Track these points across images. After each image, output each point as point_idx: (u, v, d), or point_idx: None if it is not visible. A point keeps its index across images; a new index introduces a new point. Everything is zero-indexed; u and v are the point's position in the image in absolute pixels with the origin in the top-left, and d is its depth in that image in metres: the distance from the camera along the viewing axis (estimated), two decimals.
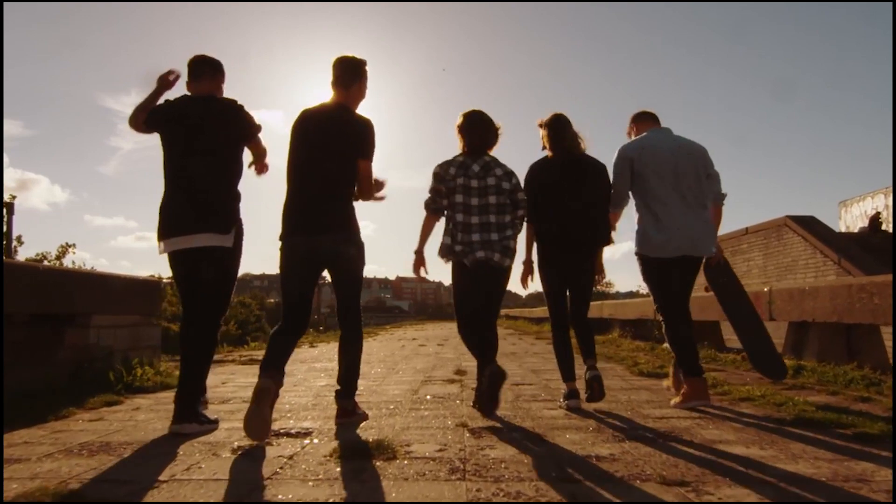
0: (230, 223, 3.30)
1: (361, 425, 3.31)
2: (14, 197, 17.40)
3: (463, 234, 3.64)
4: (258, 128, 3.48)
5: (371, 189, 3.41)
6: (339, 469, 2.42)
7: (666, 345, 4.45)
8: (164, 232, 3.26)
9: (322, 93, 3.50)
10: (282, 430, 3.18)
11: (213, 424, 3.24)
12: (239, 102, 3.43)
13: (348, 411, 3.37)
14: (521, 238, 3.91)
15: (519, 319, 32.15)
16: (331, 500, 2.04)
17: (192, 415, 3.15)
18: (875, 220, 18.86)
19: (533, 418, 3.51)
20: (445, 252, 3.71)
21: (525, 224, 3.91)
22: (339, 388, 3.39)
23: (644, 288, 4.22)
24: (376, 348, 10.47)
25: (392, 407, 3.94)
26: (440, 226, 3.82)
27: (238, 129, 3.39)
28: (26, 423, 3.36)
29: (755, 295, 6.45)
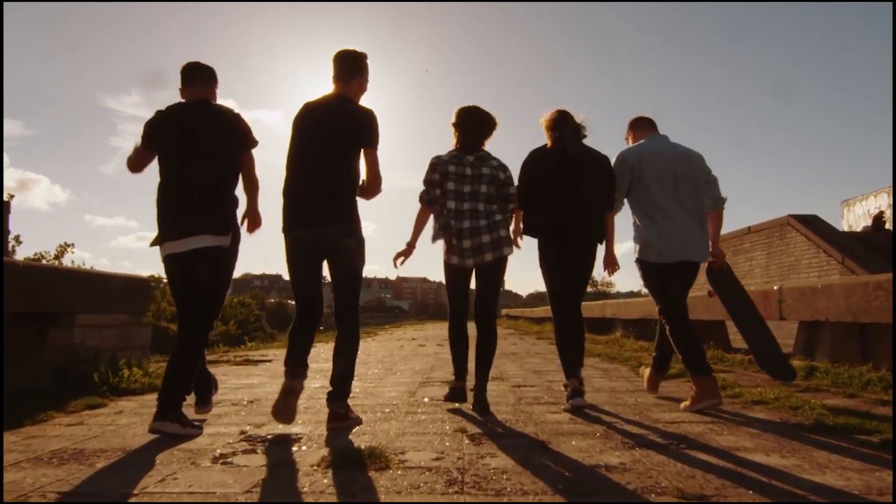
0: (227, 224, 3.26)
1: (354, 430, 3.12)
2: (12, 196, 17.22)
3: (455, 220, 3.61)
4: (254, 140, 3.38)
5: (379, 179, 3.34)
6: (326, 481, 2.22)
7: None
8: (162, 236, 3.25)
9: (323, 91, 3.44)
10: (268, 436, 2.99)
11: (196, 429, 3.08)
12: (235, 111, 3.39)
13: (340, 415, 3.22)
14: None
15: (520, 319, 31.97)
16: None
17: (174, 415, 3.03)
18: (878, 219, 18.66)
19: (536, 423, 3.31)
20: (435, 237, 3.71)
21: (514, 215, 3.90)
22: (331, 389, 3.26)
23: (645, 289, 4.17)
24: (375, 348, 10.28)
25: (388, 410, 3.75)
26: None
27: (233, 134, 3.32)
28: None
29: (764, 294, 6.26)
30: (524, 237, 4.02)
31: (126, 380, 4.78)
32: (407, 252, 3.79)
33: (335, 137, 3.23)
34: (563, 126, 3.89)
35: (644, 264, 3.94)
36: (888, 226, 18.10)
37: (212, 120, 3.29)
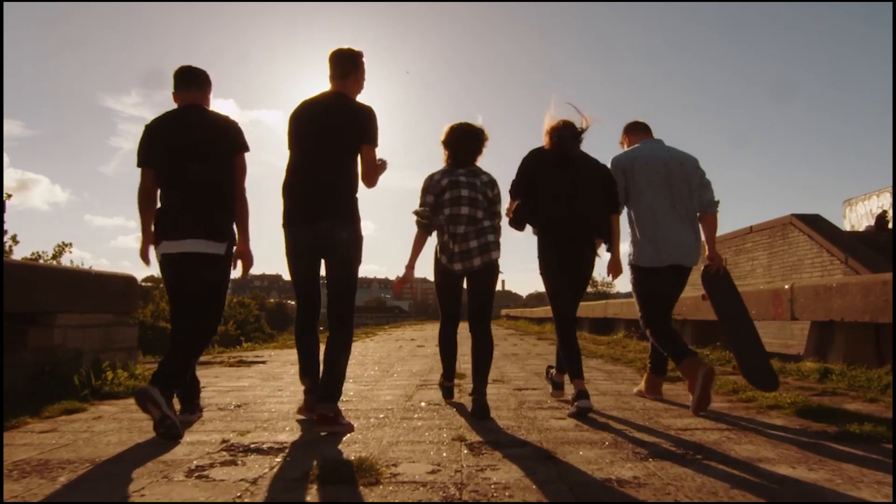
0: (224, 232, 3.28)
1: (345, 439, 2.91)
2: (9, 196, 17.00)
3: (454, 226, 3.63)
4: (245, 144, 3.39)
5: (377, 175, 3.30)
6: (309, 498, 2.01)
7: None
8: (159, 236, 3.27)
9: (327, 82, 3.42)
10: (252, 445, 2.77)
11: (176, 431, 2.89)
12: (227, 116, 3.42)
13: (329, 419, 3.00)
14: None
15: (520, 319, 31.75)
16: None
17: (163, 385, 3.01)
18: (881, 218, 18.47)
19: (540, 430, 3.10)
20: (443, 250, 3.73)
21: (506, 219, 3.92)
22: (320, 390, 3.09)
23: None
24: (372, 349, 10.06)
25: (382, 416, 3.53)
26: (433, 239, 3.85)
27: (227, 139, 3.33)
28: None
29: (775, 293, 6.05)
30: (513, 229, 3.96)
31: (109, 383, 4.57)
32: (406, 278, 3.87)
33: (333, 134, 3.19)
34: (565, 131, 3.88)
35: (636, 268, 3.96)
36: (891, 225, 17.90)
37: (206, 125, 3.30)
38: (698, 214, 4.00)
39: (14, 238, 17.78)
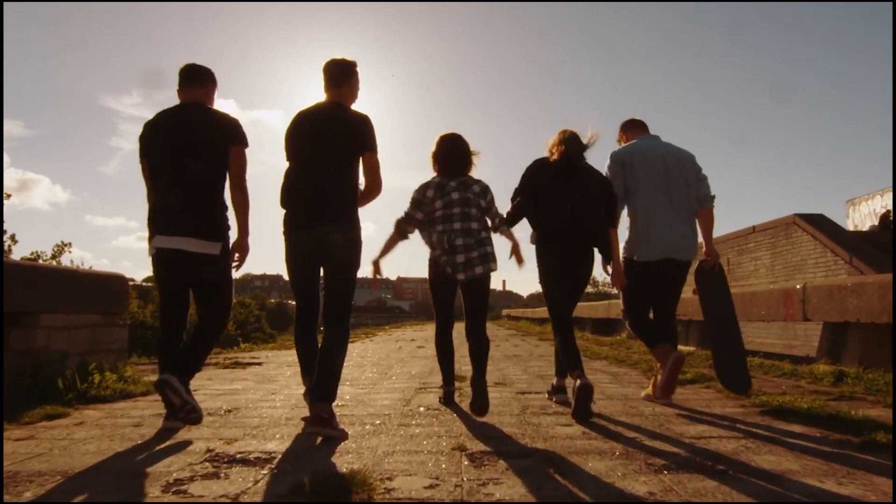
0: (219, 231, 3.30)
1: (338, 448, 2.73)
2: (9, 196, 16.82)
3: (448, 238, 3.64)
4: (244, 139, 3.37)
5: (379, 182, 3.32)
6: None
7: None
8: (154, 231, 3.25)
9: (322, 93, 3.46)
10: (237, 455, 2.59)
11: (197, 415, 3.16)
12: (225, 112, 3.42)
13: (322, 420, 2.92)
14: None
15: (521, 320, 31.59)
16: None
17: (180, 373, 3.17)
18: (886, 218, 18.28)
19: (545, 438, 2.92)
20: (438, 263, 3.73)
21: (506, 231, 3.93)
22: (315, 389, 3.02)
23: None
24: (371, 350, 9.89)
25: (378, 422, 3.36)
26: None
27: (226, 135, 3.32)
28: None
29: (786, 293, 5.86)
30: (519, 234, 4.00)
31: (96, 386, 4.39)
32: (375, 271, 3.82)
33: (331, 142, 3.22)
34: (571, 143, 3.89)
35: (627, 261, 3.95)
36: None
37: (203, 123, 3.29)
38: (696, 209, 4.01)
39: (13, 237, 17.63)
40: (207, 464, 2.46)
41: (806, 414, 3.41)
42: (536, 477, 2.24)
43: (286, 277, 3.50)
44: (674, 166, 3.91)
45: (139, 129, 3.45)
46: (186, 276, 3.28)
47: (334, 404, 3.10)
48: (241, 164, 3.34)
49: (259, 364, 7.20)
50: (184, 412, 3.09)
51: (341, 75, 3.36)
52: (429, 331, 22.24)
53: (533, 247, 3.97)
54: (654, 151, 3.95)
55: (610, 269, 3.94)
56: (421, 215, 3.71)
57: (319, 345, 3.20)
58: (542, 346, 10.14)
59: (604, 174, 3.99)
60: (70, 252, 18.93)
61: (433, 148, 3.86)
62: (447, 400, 3.89)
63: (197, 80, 3.41)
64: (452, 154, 3.79)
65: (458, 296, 4.04)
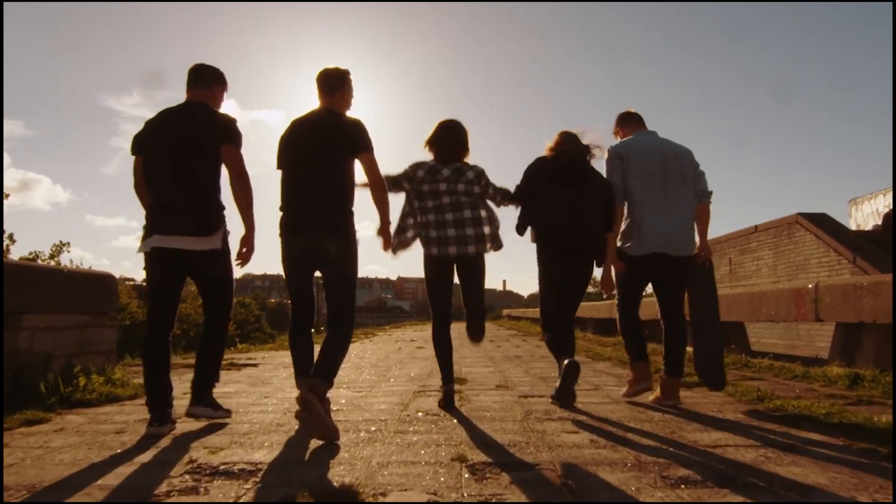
0: (216, 226, 3.30)
1: (328, 458, 2.55)
2: (7, 195, 16.66)
3: (437, 230, 3.68)
4: (235, 135, 3.35)
5: (380, 178, 3.37)
6: None
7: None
8: (151, 229, 3.24)
9: (317, 101, 3.52)
10: (221, 467, 2.41)
11: (225, 413, 3.45)
12: (230, 116, 3.42)
13: (316, 394, 2.90)
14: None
15: (522, 320, 31.45)
16: None
17: (205, 399, 3.40)
18: (889, 217, 18.08)
19: (550, 447, 2.74)
20: (413, 236, 3.78)
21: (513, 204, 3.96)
22: (315, 368, 3.07)
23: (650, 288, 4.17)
24: (370, 351, 9.71)
25: (374, 429, 3.18)
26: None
27: (219, 133, 3.31)
28: None
29: (797, 292, 5.68)
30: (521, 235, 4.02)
31: (81, 389, 4.22)
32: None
33: (324, 149, 3.28)
34: (568, 144, 3.93)
35: (622, 256, 3.94)
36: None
37: (200, 123, 3.29)
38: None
39: (11, 237, 17.48)
40: (188, 476, 2.28)
41: (824, 420, 3.24)
42: (543, 492, 2.07)
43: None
44: (671, 162, 3.90)
45: (140, 129, 3.43)
46: (185, 275, 3.33)
47: (333, 408, 3.22)
48: (237, 162, 3.33)
49: (255, 365, 7.04)
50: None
51: (334, 84, 3.42)
52: (429, 331, 21.88)
53: (531, 244, 3.98)
54: (651, 147, 3.94)
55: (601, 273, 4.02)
56: (408, 186, 3.76)
57: (315, 346, 3.21)
58: (544, 347, 9.94)
59: (604, 175, 3.98)
60: (69, 252, 18.79)
61: (429, 133, 3.86)
62: (447, 402, 3.74)
63: (201, 81, 3.43)
64: (447, 141, 3.79)
65: (456, 295, 3.97)
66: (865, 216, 20.89)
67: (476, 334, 3.90)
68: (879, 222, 18.56)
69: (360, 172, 3.37)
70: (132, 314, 17.12)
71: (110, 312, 5.12)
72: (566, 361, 3.61)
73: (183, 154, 3.25)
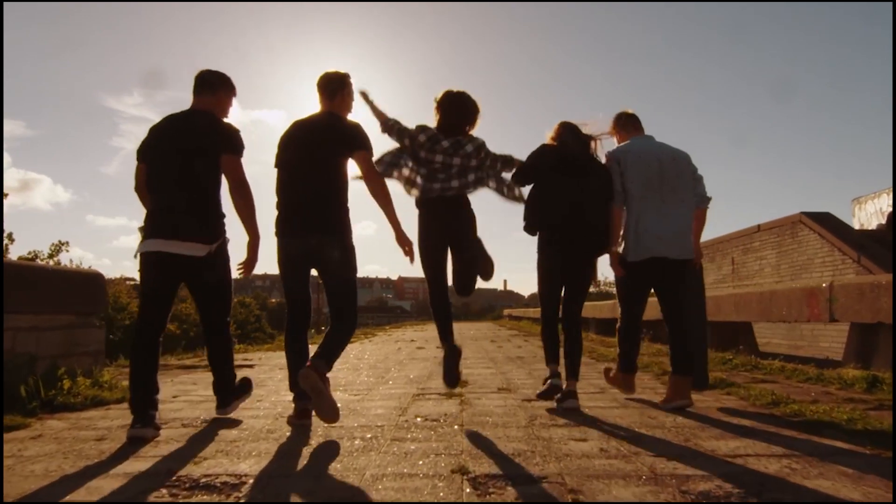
0: (216, 233, 3.29)
1: (318, 469, 2.37)
2: (6, 195, 16.50)
3: (424, 183, 3.65)
4: (235, 145, 3.34)
5: (375, 175, 3.38)
6: None
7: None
8: (150, 233, 3.22)
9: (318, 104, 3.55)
10: (203, 479, 2.23)
11: (246, 391, 3.68)
12: (234, 126, 3.41)
13: (318, 373, 3.04)
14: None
15: (522, 320, 31.27)
16: None
17: (229, 398, 3.53)
18: (893, 217, 17.90)
19: (557, 456, 2.56)
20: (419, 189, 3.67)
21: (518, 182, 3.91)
22: (317, 352, 3.15)
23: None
24: (369, 351, 9.53)
25: (369, 436, 3.00)
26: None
27: (213, 139, 3.29)
28: None
29: (810, 291, 5.49)
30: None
31: (66, 392, 4.04)
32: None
33: (323, 151, 3.30)
34: (567, 135, 3.94)
35: (622, 262, 3.92)
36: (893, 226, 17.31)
37: (205, 130, 3.29)
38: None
39: (10, 236, 17.31)
40: (164, 491, 2.10)
41: (847, 427, 3.06)
42: None
43: None
44: (668, 166, 3.90)
45: (140, 129, 3.49)
46: (182, 279, 3.31)
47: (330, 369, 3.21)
48: (236, 172, 3.32)
49: (250, 366, 6.87)
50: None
51: (335, 87, 3.46)
52: (429, 331, 21.82)
53: (532, 244, 3.98)
54: (648, 151, 3.94)
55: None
56: (408, 143, 3.70)
57: (310, 351, 3.20)
58: None
59: (605, 167, 3.97)
60: (68, 251, 18.63)
61: (438, 96, 3.81)
62: (448, 375, 3.65)
63: (206, 88, 3.43)
64: (452, 114, 3.75)
65: (453, 296, 3.84)
66: (869, 215, 20.70)
67: (464, 286, 3.76)
68: (884, 221, 18.39)
69: (357, 172, 3.38)
70: (132, 314, 16.95)
71: (99, 312, 4.93)
72: (563, 405, 3.66)
73: (185, 160, 3.24)
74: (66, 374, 4.19)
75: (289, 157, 3.37)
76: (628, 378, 4.19)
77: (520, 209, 3.95)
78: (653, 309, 4.13)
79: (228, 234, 3.45)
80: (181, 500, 1.99)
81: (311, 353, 3.23)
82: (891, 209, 19.15)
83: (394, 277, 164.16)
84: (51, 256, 18.47)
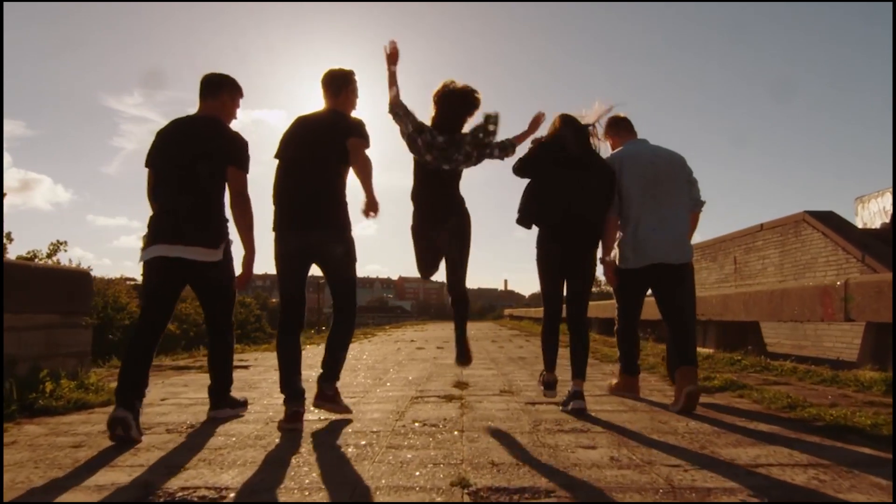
0: (220, 238, 3.26)
1: (307, 484, 2.19)
2: (5, 195, 16.36)
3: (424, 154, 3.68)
4: (240, 157, 3.28)
5: (363, 157, 3.28)
6: None
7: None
8: (154, 239, 3.18)
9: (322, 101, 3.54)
10: (178, 493, 2.05)
11: (243, 406, 3.64)
12: (242, 137, 3.37)
13: (328, 396, 3.33)
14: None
15: (524, 320, 31.09)
16: None
17: (224, 402, 3.50)
18: (894, 216, 17.73)
19: (565, 465, 2.37)
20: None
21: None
22: (321, 371, 3.36)
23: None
24: (368, 352, 9.34)
25: (364, 443, 2.81)
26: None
27: (219, 147, 3.26)
28: None
29: (824, 290, 5.30)
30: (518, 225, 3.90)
31: (48, 396, 3.86)
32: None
33: (324, 147, 3.28)
34: (565, 129, 3.83)
35: (619, 270, 3.93)
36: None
37: (209, 136, 3.26)
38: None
39: (8, 236, 17.17)
40: None
41: (871, 433, 2.88)
42: None
43: None
44: (663, 169, 3.87)
45: (141, 130, 3.44)
46: (186, 282, 3.27)
47: (321, 417, 3.30)
48: (239, 185, 3.28)
49: (245, 367, 6.67)
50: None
51: (339, 85, 3.46)
52: (429, 331, 21.61)
53: (531, 244, 3.91)
54: (643, 155, 3.92)
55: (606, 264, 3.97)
56: (411, 128, 3.69)
57: (315, 345, 3.10)
58: None
59: (607, 162, 3.93)
60: (66, 251, 18.50)
61: (438, 88, 3.76)
62: (460, 355, 3.91)
63: (210, 93, 3.40)
64: (451, 112, 3.72)
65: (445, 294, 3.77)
66: (872, 214, 20.52)
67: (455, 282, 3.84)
68: (887, 220, 18.23)
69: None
70: (132, 314, 16.77)
71: (84, 312, 4.75)
72: (571, 405, 3.58)
73: (189, 165, 3.22)
74: (48, 377, 4.01)
75: (290, 154, 3.35)
76: (631, 381, 4.15)
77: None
78: (655, 309, 3.99)
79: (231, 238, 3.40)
80: None
81: (304, 352, 3.23)
82: (893, 208, 19.00)
83: (394, 277, 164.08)
84: (49, 256, 18.35)
